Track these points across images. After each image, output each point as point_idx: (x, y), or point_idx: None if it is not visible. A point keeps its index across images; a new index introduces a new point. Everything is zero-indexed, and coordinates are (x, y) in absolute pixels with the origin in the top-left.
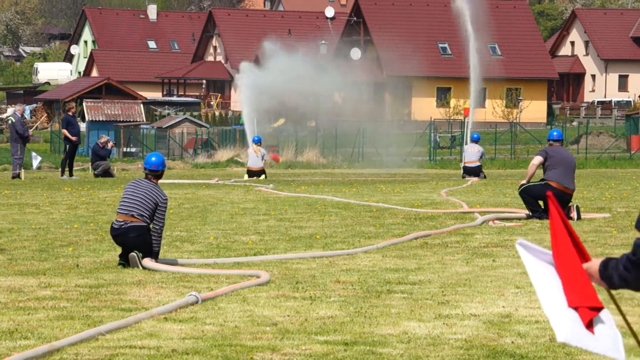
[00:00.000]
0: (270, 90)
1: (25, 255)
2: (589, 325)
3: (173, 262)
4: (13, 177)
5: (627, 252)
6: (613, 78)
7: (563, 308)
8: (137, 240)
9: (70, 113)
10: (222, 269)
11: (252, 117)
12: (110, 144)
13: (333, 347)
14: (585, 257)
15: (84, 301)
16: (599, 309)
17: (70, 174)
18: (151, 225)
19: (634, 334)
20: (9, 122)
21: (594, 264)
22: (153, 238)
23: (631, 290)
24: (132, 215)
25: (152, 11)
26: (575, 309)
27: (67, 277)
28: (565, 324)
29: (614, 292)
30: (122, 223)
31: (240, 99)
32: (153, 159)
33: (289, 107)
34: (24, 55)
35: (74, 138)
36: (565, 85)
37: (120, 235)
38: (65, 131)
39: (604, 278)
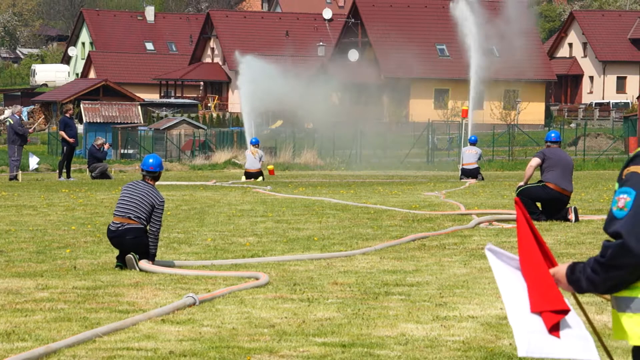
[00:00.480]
0: (269, 86)
1: (23, 257)
2: (554, 330)
3: (170, 264)
4: (10, 179)
5: (595, 255)
6: (611, 80)
7: (528, 316)
8: (133, 242)
9: (67, 115)
10: (220, 270)
11: (252, 109)
12: (106, 146)
13: (331, 349)
14: (552, 262)
15: (82, 303)
16: (565, 311)
17: (68, 176)
18: (148, 227)
19: (600, 339)
20: (7, 123)
21: (560, 269)
22: (149, 240)
23: (599, 293)
24: (129, 217)
25: (149, 13)
26: (539, 313)
27: (64, 278)
28: (527, 337)
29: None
30: (119, 225)
31: (239, 85)
32: (150, 160)
33: (286, 108)
34: (22, 56)
35: (71, 140)
36: (563, 87)
37: (117, 237)
38: (62, 133)
39: (571, 282)
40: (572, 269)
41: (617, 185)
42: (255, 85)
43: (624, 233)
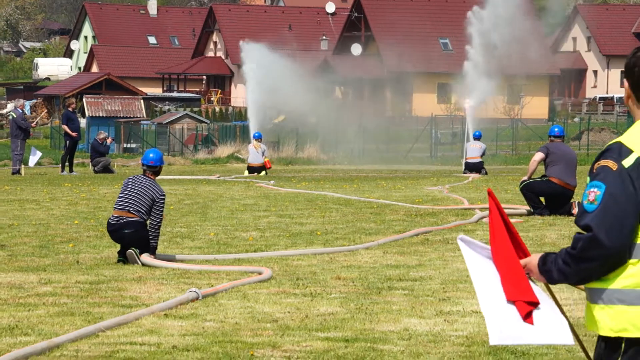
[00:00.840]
0: (274, 75)
1: (26, 252)
2: (528, 317)
3: (171, 258)
4: (13, 173)
5: (567, 247)
6: (615, 74)
7: (500, 304)
8: (133, 236)
9: (70, 109)
10: (223, 265)
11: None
12: (108, 140)
13: (334, 344)
14: (524, 253)
15: (84, 297)
16: (535, 304)
17: (71, 170)
18: (148, 221)
19: (573, 330)
20: (10, 117)
21: (532, 259)
22: (150, 234)
23: (570, 284)
24: (129, 211)
25: (152, 7)
26: (513, 302)
27: (67, 273)
28: (498, 324)
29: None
30: (118, 218)
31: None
32: (151, 155)
33: (289, 102)
34: (24, 50)
35: (73, 134)
36: (567, 81)
37: (116, 230)
38: (65, 127)
39: (542, 273)
40: (544, 259)
41: (588, 179)
42: (261, 72)
43: (593, 226)
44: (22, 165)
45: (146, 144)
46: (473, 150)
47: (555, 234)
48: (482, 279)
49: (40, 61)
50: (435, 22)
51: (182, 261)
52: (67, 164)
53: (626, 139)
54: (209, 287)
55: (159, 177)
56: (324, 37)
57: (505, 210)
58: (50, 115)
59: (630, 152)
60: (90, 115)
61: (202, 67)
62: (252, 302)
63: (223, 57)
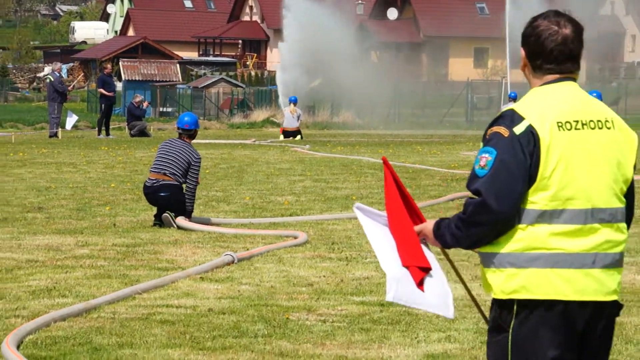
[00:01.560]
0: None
1: (63, 214)
2: (420, 284)
3: (206, 221)
4: (50, 136)
5: (459, 212)
6: None
7: (397, 268)
8: (168, 198)
9: (106, 72)
10: (258, 229)
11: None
12: (145, 104)
13: (369, 308)
14: (420, 219)
15: (121, 260)
16: (427, 269)
17: (107, 134)
18: (185, 185)
19: (470, 293)
20: (47, 81)
21: (428, 225)
22: (186, 197)
23: (463, 248)
24: (165, 174)
25: None
26: (407, 268)
27: (104, 236)
28: (395, 284)
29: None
30: (154, 181)
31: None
32: (186, 118)
33: (325, 66)
34: (61, 14)
35: (110, 93)
36: (604, 45)
37: (152, 193)
38: (101, 90)
39: (437, 237)
40: (438, 225)
41: (481, 144)
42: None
43: (483, 191)
44: (59, 129)
45: (182, 107)
46: None
47: None
48: (380, 244)
49: (77, 25)
50: None
51: (217, 225)
52: (103, 127)
53: (519, 106)
54: (245, 251)
55: (194, 141)
56: (360, 2)
57: None
58: (87, 79)
59: (522, 119)
60: (127, 79)
61: (238, 31)
62: (288, 266)
63: (259, 21)
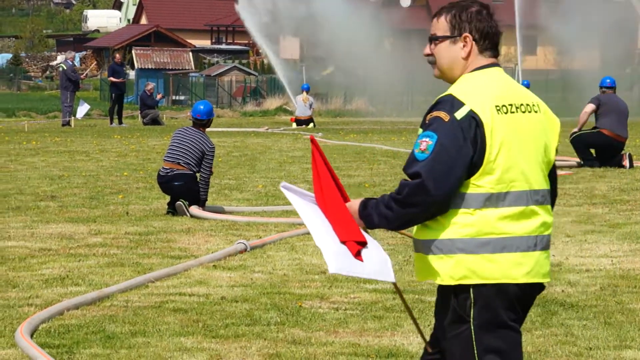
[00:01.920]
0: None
1: (76, 203)
2: (358, 255)
3: (219, 210)
4: (63, 125)
5: (391, 192)
6: None
7: (333, 243)
8: (182, 188)
9: (116, 61)
10: (271, 217)
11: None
12: (159, 96)
13: (382, 296)
14: (345, 198)
15: (134, 248)
16: (363, 243)
17: (120, 122)
18: (199, 174)
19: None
20: (60, 69)
21: (353, 204)
22: (200, 186)
23: (390, 229)
24: (179, 163)
25: None
26: (344, 242)
27: (117, 224)
28: (334, 257)
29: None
30: (168, 170)
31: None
32: (200, 107)
33: (337, 54)
34: (74, 2)
35: (120, 79)
36: (618, 32)
37: (166, 182)
38: (111, 78)
39: (362, 217)
40: (365, 204)
41: (420, 130)
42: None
43: (423, 173)
44: (72, 117)
45: (195, 96)
46: None
47: (606, 186)
48: (313, 221)
49: (90, 13)
50: None
51: (230, 213)
52: (116, 116)
53: (457, 92)
54: (257, 239)
55: (207, 130)
56: None
57: (557, 162)
58: (100, 67)
59: (462, 104)
60: (139, 67)
61: None
62: (300, 253)
63: None
